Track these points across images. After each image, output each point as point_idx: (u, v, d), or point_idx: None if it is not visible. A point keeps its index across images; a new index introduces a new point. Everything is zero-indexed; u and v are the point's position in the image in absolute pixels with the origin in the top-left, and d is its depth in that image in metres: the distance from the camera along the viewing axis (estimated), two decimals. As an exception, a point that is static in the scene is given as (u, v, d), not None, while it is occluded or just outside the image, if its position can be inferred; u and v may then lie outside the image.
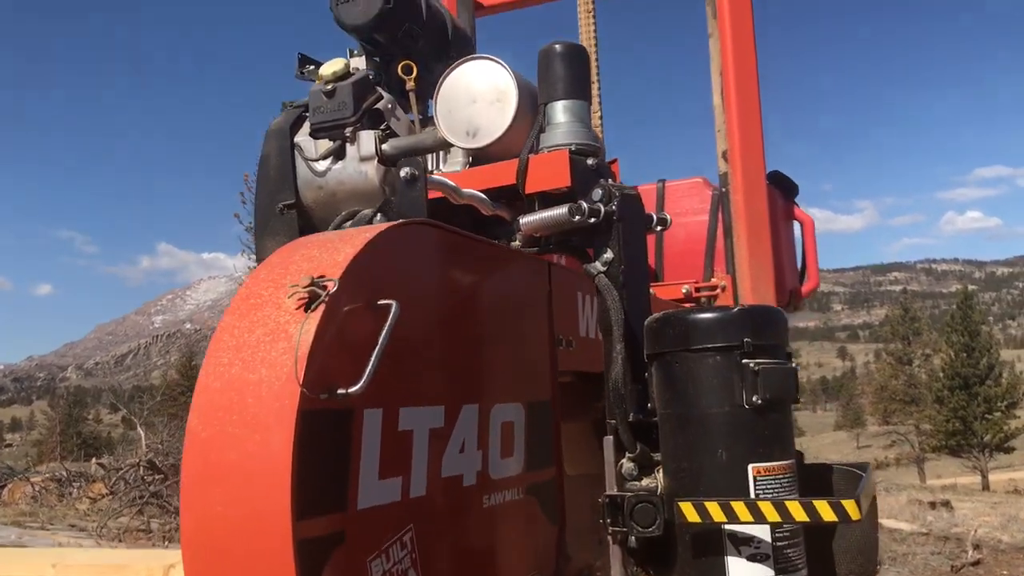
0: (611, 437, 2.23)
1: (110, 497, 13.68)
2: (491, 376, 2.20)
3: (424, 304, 1.96)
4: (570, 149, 2.47)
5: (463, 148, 2.82)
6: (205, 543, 1.54)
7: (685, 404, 2.09)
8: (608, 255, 2.36)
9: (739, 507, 1.95)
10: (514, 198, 2.58)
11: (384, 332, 1.66)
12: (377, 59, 3.17)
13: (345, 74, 2.83)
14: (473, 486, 2.06)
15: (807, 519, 1.92)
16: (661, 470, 2.19)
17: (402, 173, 2.27)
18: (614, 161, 3.55)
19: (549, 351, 2.51)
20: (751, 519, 1.94)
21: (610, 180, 2.47)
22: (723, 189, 4.08)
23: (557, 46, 2.57)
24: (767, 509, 1.93)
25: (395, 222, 1.97)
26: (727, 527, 2.01)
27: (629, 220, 2.39)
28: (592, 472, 3.30)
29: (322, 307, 1.61)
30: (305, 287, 1.61)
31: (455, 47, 3.54)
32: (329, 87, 2.77)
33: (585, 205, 2.32)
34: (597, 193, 2.38)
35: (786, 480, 2.05)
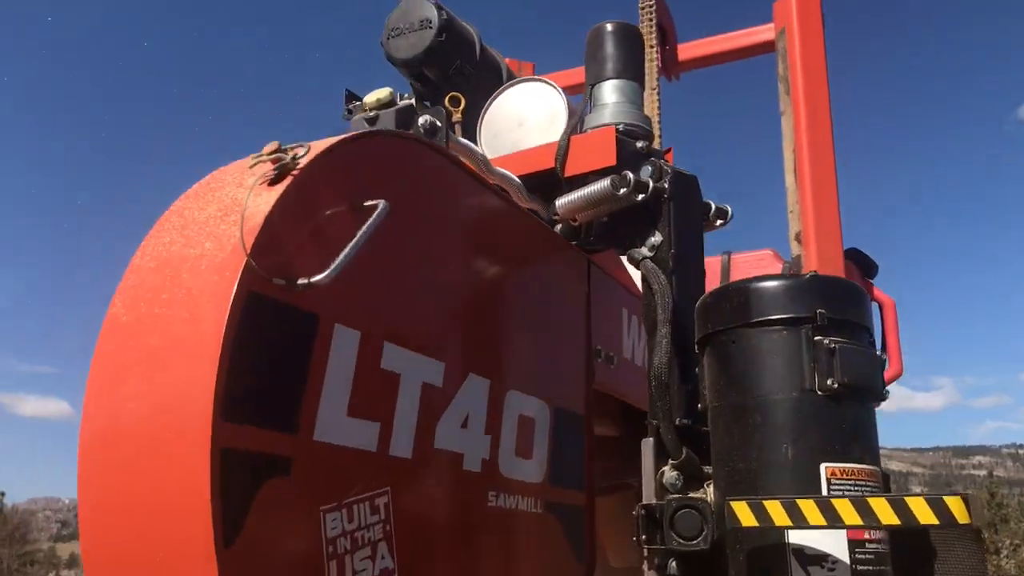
0: (651, 439, 1.83)
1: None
2: (509, 356, 1.85)
3: (429, 236, 1.65)
4: (617, 128, 2.18)
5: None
6: (106, 444, 1.20)
7: (742, 390, 1.70)
8: (656, 238, 2.03)
9: (807, 507, 1.52)
10: (552, 189, 2.28)
11: (365, 228, 1.35)
12: (427, 103, 2.98)
13: (389, 102, 2.63)
14: (476, 473, 1.67)
15: (897, 522, 1.48)
16: (712, 483, 1.78)
17: (421, 120, 1.99)
18: (668, 150, 3.25)
19: (584, 359, 2.15)
20: (823, 522, 1.50)
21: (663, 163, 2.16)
22: (796, 272, 3.74)
23: (608, 25, 2.33)
24: (844, 509, 1.50)
25: (400, 131, 1.68)
26: (793, 541, 1.58)
27: (682, 201, 2.06)
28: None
29: (289, 179, 1.30)
30: (270, 154, 1.31)
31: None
32: (372, 114, 2.58)
33: (631, 176, 2.01)
34: (647, 170, 2.08)
35: (869, 489, 1.62)
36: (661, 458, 1.81)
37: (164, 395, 1.17)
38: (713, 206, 2.23)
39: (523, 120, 2.78)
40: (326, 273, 1.28)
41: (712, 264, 4.16)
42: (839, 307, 1.70)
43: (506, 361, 1.83)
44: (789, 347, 1.68)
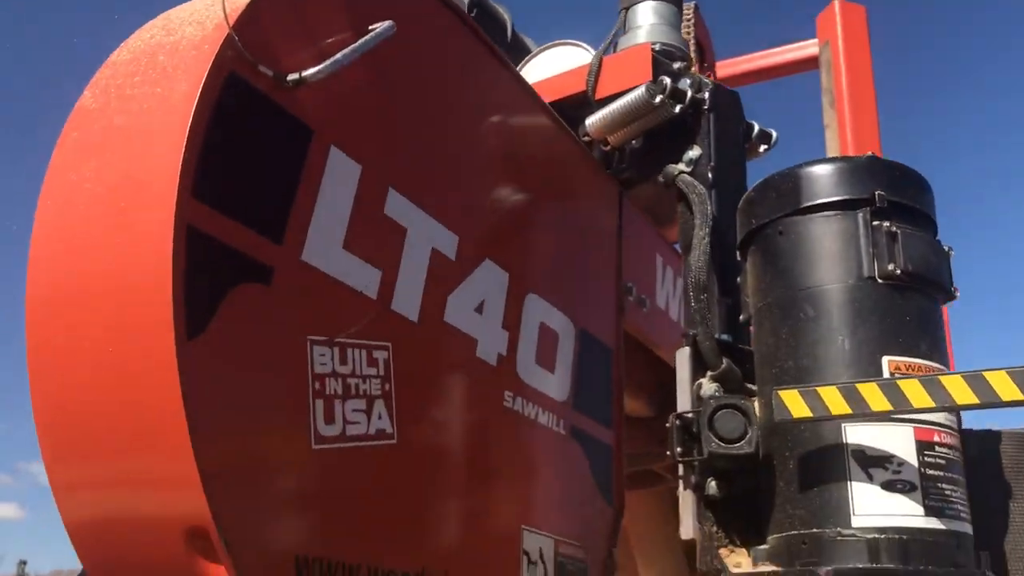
0: (687, 349, 1.64)
1: None
2: (531, 257, 1.68)
3: (453, 102, 1.51)
4: (653, 47, 2.04)
5: None
6: (61, 226, 1.04)
7: (791, 283, 1.51)
8: (694, 152, 1.87)
9: (869, 391, 1.32)
10: (582, 116, 2.12)
11: (367, 38, 1.21)
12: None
13: None
14: (491, 366, 1.49)
15: (976, 400, 1.27)
16: (757, 398, 1.57)
17: None
18: (710, 71, 3.08)
19: (614, 291, 1.97)
20: (887, 406, 1.30)
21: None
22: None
23: (643, -46, 2.21)
24: (911, 390, 1.30)
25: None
26: (851, 441, 1.37)
27: (723, 114, 1.91)
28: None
29: None
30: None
31: None
32: None
33: (668, 81, 1.86)
34: (685, 81, 1.93)
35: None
36: (699, 369, 1.62)
37: (127, 170, 1.01)
38: (756, 127, 2.06)
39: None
40: (319, 68, 1.14)
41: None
42: (901, 190, 1.52)
43: (528, 261, 1.67)
44: (845, 232, 1.49)
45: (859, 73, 3.67)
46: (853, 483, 1.35)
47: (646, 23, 2.13)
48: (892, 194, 1.50)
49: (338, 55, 1.16)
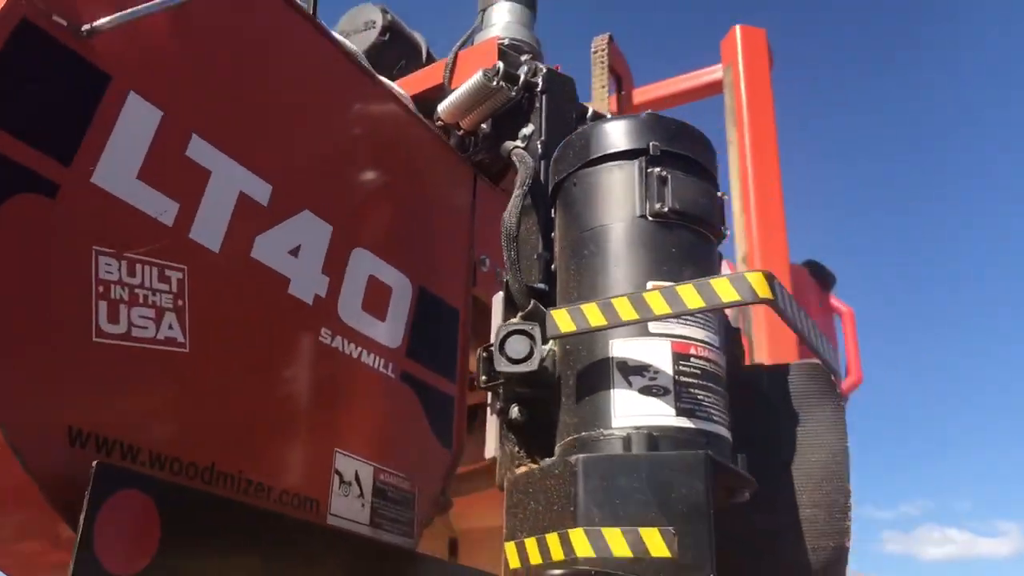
0: (501, 293, 1.81)
1: None
2: (360, 215, 1.86)
3: (276, 63, 1.70)
4: (501, 41, 2.24)
5: None
6: None
7: (580, 226, 1.69)
8: (527, 129, 2.06)
9: (621, 304, 1.50)
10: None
11: (165, -5, 1.40)
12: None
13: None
14: (307, 304, 1.66)
15: (702, 303, 1.44)
16: (556, 333, 1.73)
17: None
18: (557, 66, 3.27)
19: (464, 260, 2.14)
20: (635, 316, 1.47)
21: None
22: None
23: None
24: (655, 301, 1.48)
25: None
26: (616, 354, 1.54)
27: (555, 96, 2.10)
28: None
29: None
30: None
31: None
32: None
33: (501, 65, 2.05)
34: (523, 69, 2.12)
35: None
36: (510, 311, 1.78)
37: None
38: (591, 110, 2.24)
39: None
40: (111, 19, 1.33)
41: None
42: (676, 142, 1.70)
43: (359, 221, 1.84)
44: (624, 179, 1.68)
45: (758, 92, 3.90)
46: (615, 390, 1.51)
47: (500, 21, 2.33)
48: (667, 145, 1.68)
49: (136, 8, 1.36)
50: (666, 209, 1.62)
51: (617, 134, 1.72)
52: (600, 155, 1.71)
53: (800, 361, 1.82)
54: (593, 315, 1.51)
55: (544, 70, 2.11)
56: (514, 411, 1.69)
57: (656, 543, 1.33)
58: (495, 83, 2.05)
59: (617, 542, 1.35)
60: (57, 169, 1.27)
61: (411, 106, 2.30)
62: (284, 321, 1.61)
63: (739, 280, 1.43)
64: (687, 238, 1.64)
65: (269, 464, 1.52)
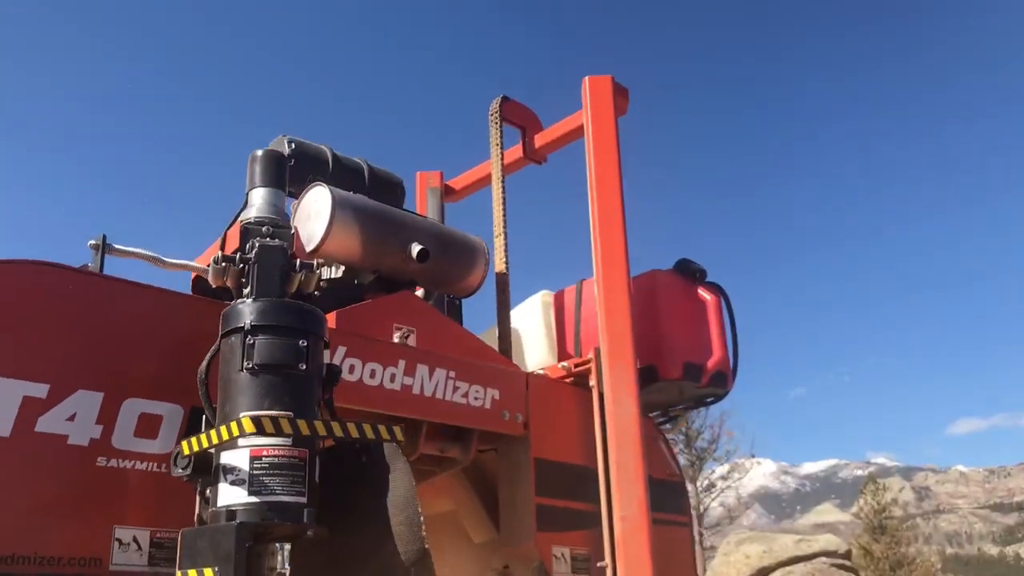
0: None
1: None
2: (130, 379, 3.01)
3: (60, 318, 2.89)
4: (246, 221, 3.31)
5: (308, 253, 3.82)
6: None
7: (223, 372, 2.77)
8: (246, 290, 3.12)
9: (224, 430, 2.57)
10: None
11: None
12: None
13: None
14: (82, 446, 2.84)
15: (235, 434, 2.50)
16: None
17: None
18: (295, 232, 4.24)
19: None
20: (226, 436, 2.55)
21: (285, 245, 3.22)
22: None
23: (258, 151, 3.47)
24: (246, 423, 2.53)
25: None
26: (223, 460, 2.62)
27: (265, 263, 3.13)
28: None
29: None
30: None
31: (375, 190, 4.54)
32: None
33: (220, 256, 3.14)
34: (247, 246, 3.18)
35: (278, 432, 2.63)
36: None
37: None
38: (298, 262, 3.25)
39: (310, 214, 3.99)
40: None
41: (571, 291, 4.99)
42: (264, 318, 2.74)
43: (127, 382, 3.00)
44: (236, 344, 2.74)
45: (602, 132, 4.62)
46: (219, 484, 2.61)
47: (254, 204, 3.37)
48: (257, 320, 2.73)
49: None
50: (252, 365, 2.68)
51: (232, 317, 2.78)
52: (226, 330, 2.78)
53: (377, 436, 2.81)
54: (212, 436, 2.60)
55: (257, 246, 3.16)
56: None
57: (209, 577, 2.43)
58: (222, 264, 3.13)
59: (192, 579, 2.46)
60: None
61: (202, 271, 3.42)
62: (66, 457, 2.81)
63: (256, 419, 2.48)
64: (268, 380, 2.69)
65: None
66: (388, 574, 2.76)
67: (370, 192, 4.49)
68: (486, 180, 5.28)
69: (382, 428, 2.76)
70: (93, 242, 3.23)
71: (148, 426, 3.00)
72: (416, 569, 2.75)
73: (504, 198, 4.95)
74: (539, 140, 5.26)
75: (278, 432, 2.59)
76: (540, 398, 4.23)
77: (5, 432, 2.69)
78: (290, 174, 4.05)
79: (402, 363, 3.70)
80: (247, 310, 2.76)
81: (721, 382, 4.73)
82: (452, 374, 3.87)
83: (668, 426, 4.89)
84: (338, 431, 2.67)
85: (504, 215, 4.89)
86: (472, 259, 4.49)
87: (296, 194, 4.26)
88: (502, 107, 5.14)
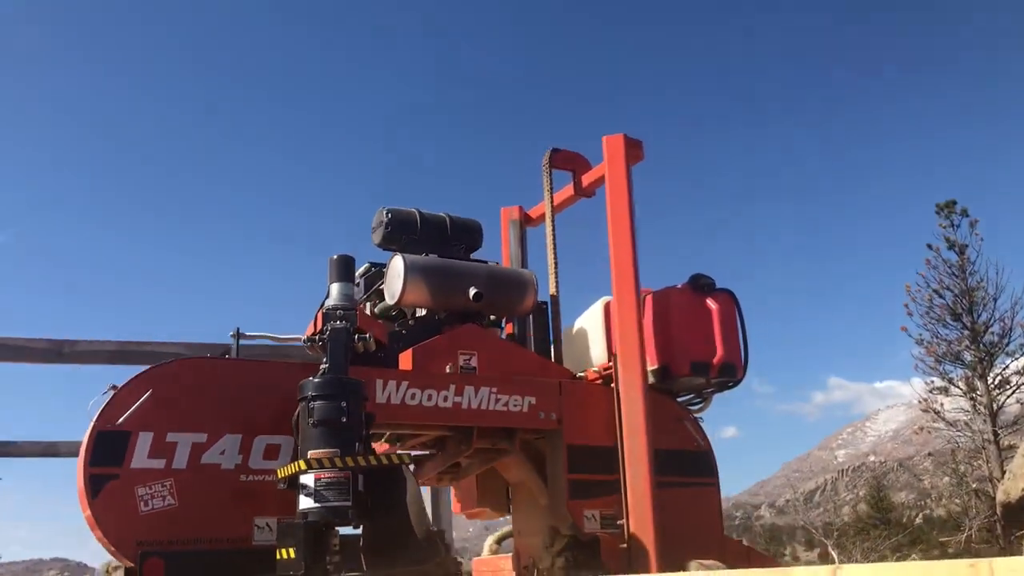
0: (301, 447, 4.59)
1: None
2: (253, 420, 4.72)
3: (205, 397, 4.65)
4: (325, 309, 4.90)
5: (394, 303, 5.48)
6: None
7: (302, 424, 4.42)
8: (324, 364, 4.71)
9: (291, 467, 4.24)
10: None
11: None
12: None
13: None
14: (229, 469, 4.59)
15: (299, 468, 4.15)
16: (318, 461, 4.50)
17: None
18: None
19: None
20: (293, 470, 4.22)
21: (349, 325, 4.78)
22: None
23: (334, 256, 5.05)
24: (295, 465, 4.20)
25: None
26: (301, 480, 4.27)
27: (333, 341, 4.71)
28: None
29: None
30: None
31: (456, 237, 6.04)
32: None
33: (307, 332, 4.76)
34: (326, 328, 4.77)
35: (331, 464, 4.23)
36: (303, 454, 4.57)
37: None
38: (357, 338, 4.79)
39: (393, 275, 5.57)
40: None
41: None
42: (320, 389, 4.34)
43: (254, 423, 4.71)
44: (304, 407, 4.37)
45: (616, 181, 5.77)
46: (300, 496, 4.27)
47: (331, 294, 4.97)
48: (314, 392, 4.34)
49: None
50: (313, 420, 4.29)
51: (303, 388, 4.40)
52: (299, 397, 4.42)
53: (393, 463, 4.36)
54: (293, 467, 4.28)
55: (329, 329, 4.74)
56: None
57: (289, 552, 4.11)
58: (307, 343, 4.77)
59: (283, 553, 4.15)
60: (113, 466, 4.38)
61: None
62: (220, 479, 4.56)
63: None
64: (323, 430, 4.29)
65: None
66: (408, 543, 4.33)
67: (451, 239, 5.98)
68: (558, 208, 6.58)
69: (394, 456, 4.32)
70: (232, 333, 4.98)
71: (272, 452, 4.72)
72: (426, 541, 4.30)
73: (555, 234, 6.26)
74: (586, 180, 6.47)
75: (331, 464, 4.20)
76: (573, 398, 5.60)
77: (182, 466, 4.49)
78: (387, 235, 5.68)
79: (452, 387, 5.22)
80: (309, 385, 4.38)
81: (731, 372, 5.85)
82: (494, 390, 5.34)
83: (698, 406, 6.08)
84: (363, 461, 4.24)
85: (555, 248, 6.22)
86: (523, 289, 5.89)
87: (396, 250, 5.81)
88: (552, 158, 6.39)
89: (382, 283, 5.69)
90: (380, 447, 5.73)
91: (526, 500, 5.99)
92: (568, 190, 6.59)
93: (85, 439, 4.34)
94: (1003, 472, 18.75)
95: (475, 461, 5.75)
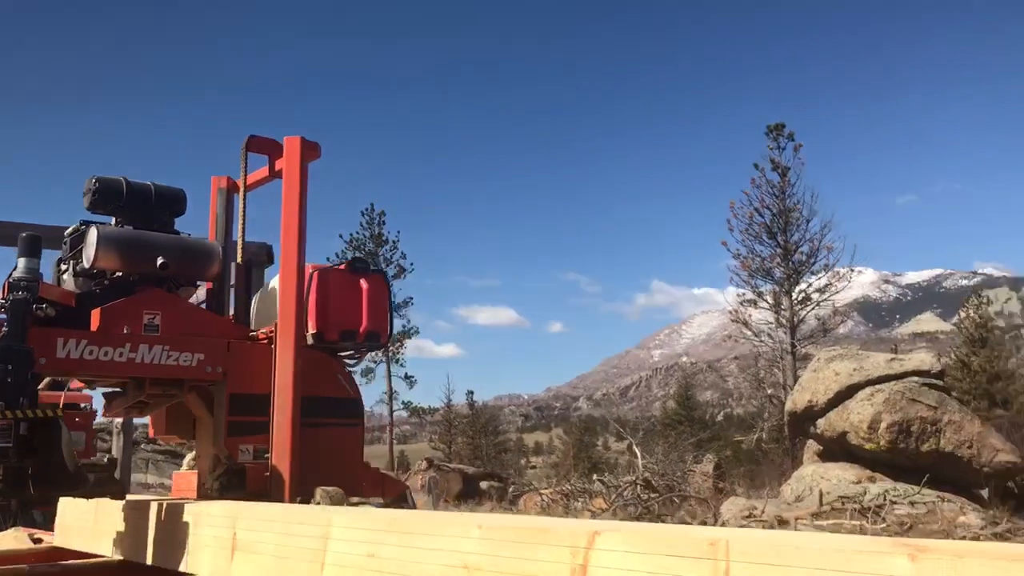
0: None
1: (609, 510, 13.94)
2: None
3: None
4: (10, 279, 5.92)
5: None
6: None
7: None
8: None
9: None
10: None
11: None
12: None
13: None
14: None
15: None
16: None
17: None
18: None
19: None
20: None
21: (29, 296, 5.79)
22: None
23: (23, 234, 6.05)
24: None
25: None
26: None
27: (12, 311, 5.72)
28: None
29: None
30: None
31: (159, 205, 7.06)
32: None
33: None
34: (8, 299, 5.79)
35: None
36: None
37: None
38: (35, 308, 5.86)
39: (88, 243, 6.58)
40: None
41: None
42: (-9, 354, 5.45)
43: None
44: (-20, 367, 5.47)
45: (291, 181, 6.97)
46: (-29, 437, 5.42)
47: (20, 267, 6.00)
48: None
49: None
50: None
51: None
52: None
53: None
54: (-43, 419, 5.41)
55: (10, 300, 5.78)
56: None
57: None
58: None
59: None
60: None
61: None
62: None
63: None
64: (-8, 386, 5.42)
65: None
66: (63, 474, 5.54)
67: (155, 206, 7.03)
68: (258, 183, 7.71)
69: (48, 410, 5.50)
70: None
71: None
72: (76, 473, 5.53)
73: (245, 210, 7.41)
74: (277, 165, 7.61)
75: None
76: (238, 354, 6.87)
77: None
78: (94, 201, 6.69)
79: (127, 345, 6.38)
80: (-16, 349, 5.46)
81: (376, 339, 7.27)
82: (167, 347, 6.54)
83: (353, 362, 7.53)
84: (21, 414, 5.39)
85: (244, 222, 7.38)
86: (209, 258, 7.06)
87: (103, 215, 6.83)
88: (248, 143, 7.49)
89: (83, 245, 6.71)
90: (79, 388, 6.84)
91: (204, 432, 7.30)
92: (265, 170, 7.73)
93: None
94: (795, 380, 20.02)
95: (154, 403, 6.99)
